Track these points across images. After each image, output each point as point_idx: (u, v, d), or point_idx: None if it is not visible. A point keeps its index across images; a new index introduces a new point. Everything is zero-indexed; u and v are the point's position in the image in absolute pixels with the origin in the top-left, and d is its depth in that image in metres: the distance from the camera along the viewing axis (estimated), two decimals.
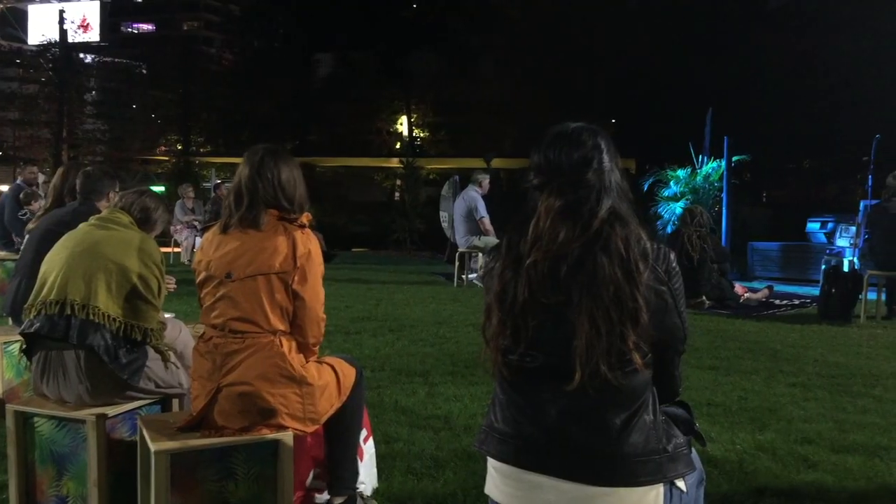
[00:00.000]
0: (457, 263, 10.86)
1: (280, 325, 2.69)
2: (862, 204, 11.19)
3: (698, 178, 13.71)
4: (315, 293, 2.76)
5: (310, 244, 2.75)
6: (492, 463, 1.94)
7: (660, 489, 1.81)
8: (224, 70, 36.56)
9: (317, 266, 2.77)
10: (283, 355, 2.66)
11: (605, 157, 1.91)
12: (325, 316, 2.82)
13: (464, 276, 10.68)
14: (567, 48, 26.88)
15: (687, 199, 13.20)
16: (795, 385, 5.10)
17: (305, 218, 2.82)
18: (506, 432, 1.89)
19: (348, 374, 2.92)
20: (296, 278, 2.69)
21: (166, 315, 3.48)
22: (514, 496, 1.87)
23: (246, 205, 2.72)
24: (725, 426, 4.15)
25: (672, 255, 1.90)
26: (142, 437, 2.77)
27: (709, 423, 4.18)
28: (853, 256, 10.12)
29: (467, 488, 3.20)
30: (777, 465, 3.57)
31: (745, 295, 9.47)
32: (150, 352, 3.09)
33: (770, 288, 10.10)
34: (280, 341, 2.68)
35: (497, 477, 1.92)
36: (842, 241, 11.40)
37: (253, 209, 2.72)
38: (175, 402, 3.24)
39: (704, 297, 8.97)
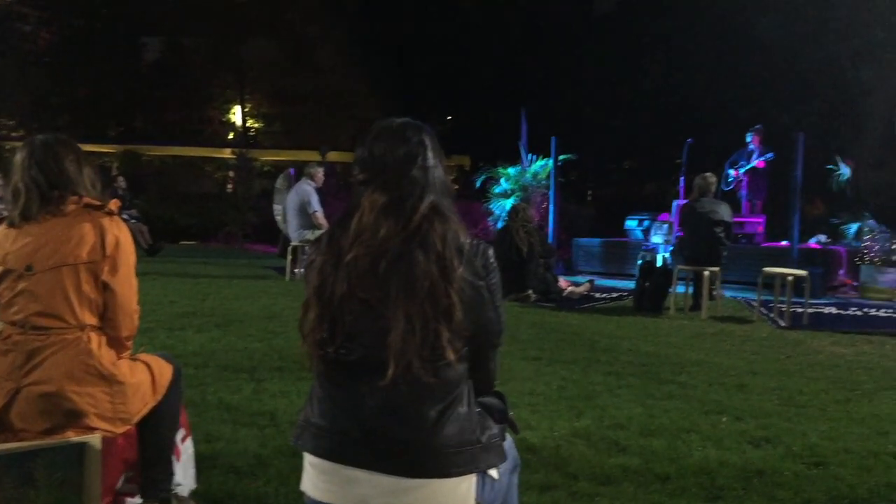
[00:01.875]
0: (289, 257, 10.70)
1: (89, 320, 2.54)
2: (675, 203, 11.99)
3: (527, 175, 14.19)
4: (127, 283, 2.62)
5: (118, 232, 2.60)
6: (308, 458, 1.92)
7: (472, 479, 1.85)
8: (40, 49, 34.03)
9: (128, 255, 2.63)
10: (92, 352, 2.52)
11: (430, 154, 1.92)
12: (138, 308, 2.69)
13: (296, 271, 10.53)
14: (404, 43, 27.07)
15: (517, 196, 13.62)
16: (610, 373, 5.39)
17: (114, 204, 2.67)
18: (322, 426, 1.87)
19: (164, 371, 2.80)
20: (105, 269, 2.54)
21: None
22: (329, 491, 1.86)
23: (42, 192, 2.55)
24: (545, 414, 4.32)
25: (490, 251, 1.95)
26: None
27: (530, 412, 4.34)
28: (666, 252, 10.83)
29: (291, 485, 3.15)
30: (591, 450, 3.75)
31: (569, 289, 9.90)
32: None
33: (591, 282, 10.62)
34: (88, 336, 2.53)
35: (313, 473, 1.90)
36: (656, 238, 12.14)
37: (52, 196, 2.55)
38: None
39: (531, 291, 9.31)
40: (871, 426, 4.24)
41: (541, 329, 7.17)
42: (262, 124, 33.72)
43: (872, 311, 9.14)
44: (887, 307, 9.63)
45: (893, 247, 11.21)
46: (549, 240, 12.41)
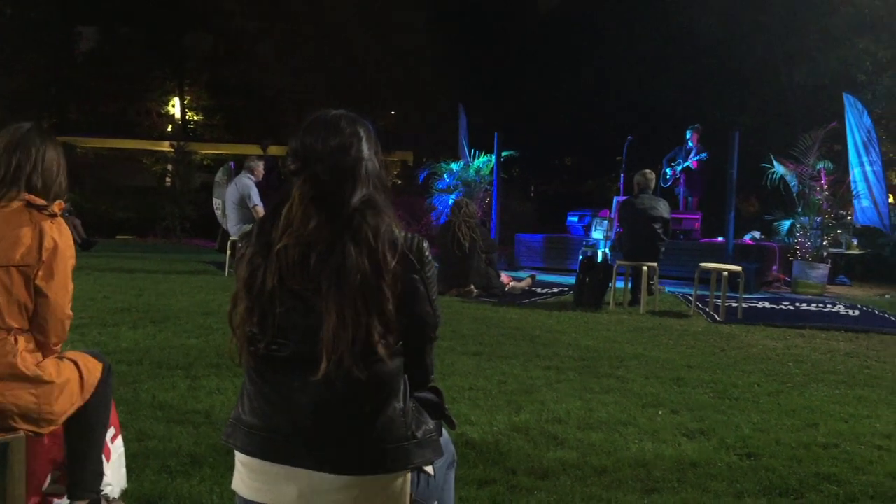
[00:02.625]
0: (228, 252, 10.53)
1: (15, 323, 2.44)
2: (615, 199, 12.16)
3: (470, 171, 14.22)
4: (62, 290, 2.52)
5: (58, 236, 2.50)
6: (239, 457, 1.87)
7: (407, 475, 1.83)
8: None
9: (65, 260, 2.53)
10: (16, 354, 2.42)
11: (364, 146, 1.89)
12: (71, 314, 2.60)
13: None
14: (348, 36, 26.85)
15: (459, 192, 13.64)
16: (550, 368, 5.43)
17: (57, 206, 2.57)
18: (254, 424, 1.83)
19: (93, 369, 2.71)
20: (40, 273, 2.44)
21: None
22: (260, 490, 1.82)
23: None
24: (485, 409, 4.33)
25: (425, 244, 1.92)
26: None
27: (470, 407, 4.34)
28: (606, 248, 10.97)
29: (225, 484, 3.08)
30: (530, 444, 3.77)
31: (510, 284, 9.95)
32: None
33: (532, 277, 10.70)
34: (15, 339, 2.43)
35: (244, 471, 1.86)
36: (597, 234, 12.31)
37: (2, 187, 2.46)
38: None
39: (472, 286, 9.33)
40: (801, 418, 4.35)
41: (482, 324, 7.19)
42: (201, 117, 33.16)
43: (804, 306, 9.40)
44: (818, 302, 9.91)
45: (824, 243, 11.54)
46: (492, 235, 12.47)
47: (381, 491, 1.79)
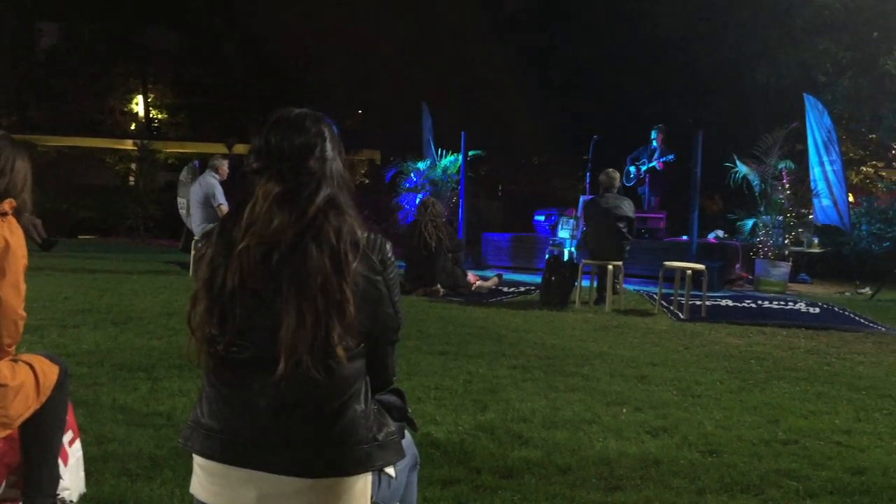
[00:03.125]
0: (192, 252, 10.40)
1: None
2: (581, 198, 12.23)
3: (437, 170, 14.22)
4: (14, 290, 2.47)
5: (9, 235, 2.44)
6: (197, 460, 1.85)
7: (368, 478, 1.82)
8: None
9: (17, 259, 2.47)
10: None
11: (328, 145, 1.88)
12: (24, 314, 2.54)
13: None
14: (315, 36, 26.70)
15: (426, 191, 13.63)
16: (516, 367, 5.44)
17: (8, 205, 2.51)
18: (212, 427, 1.81)
19: (49, 372, 2.66)
20: None
21: None
22: (219, 494, 1.80)
23: None
24: (450, 408, 4.33)
25: (388, 245, 1.91)
26: None
27: (435, 407, 4.34)
28: (572, 247, 11.03)
29: (187, 487, 3.03)
30: (495, 443, 3.77)
31: (477, 283, 9.96)
32: None
33: (499, 276, 10.72)
34: None
35: (202, 475, 1.84)
36: (563, 233, 12.34)
37: None
38: None
39: (439, 286, 9.33)
40: (762, 414, 4.41)
41: (448, 323, 7.19)
42: (165, 115, 32.73)
43: (766, 304, 9.52)
44: (779, 300, 10.05)
45: (785, 241, 11.71)
46: (459, 234, 12.47)
47: (342, 493, 1.77)
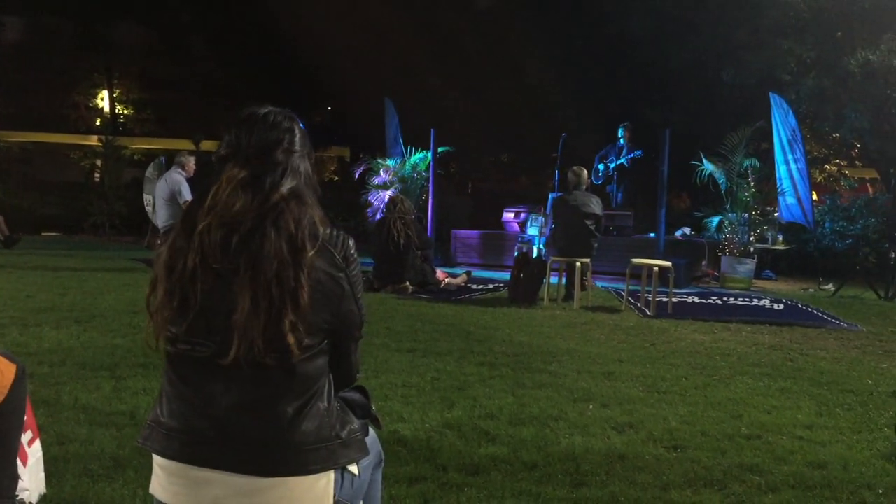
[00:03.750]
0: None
1: None
2: (550, 196, 12.28)
3: (406, 167, 14.19)
4: None
5: None
6: (157, 460, 1.82)
7: (331, 476, 1.80)
8: None
9: None
10: None
11: (297, 142, 1.89)
12: None
13: None
14: (282, 31, 26.49)
15: (396, 188, 13.60)
16: (484, 364, 5.44)
17: None
18: (172, 427, 1.78)
19: (5, 371, 2.60)
20: None
21: None
22: (179, 494, 1.77)
23: None
24: (417, 406, 4.32)
25: (351, 242, 1.90)
26: None
27: (402, 404, 4.33)
28: (540, 244, 11.07)
29: (148, 487, 3.02)
30: (461, 440, 3.77)
31: (446, 280, 9.97)
32: None
33: (468, 273, 10.74)
34: None
35: (162, 475, 1.81)
36: (532, 230, 12.40)
37: None
38: None
39: (408, 283, 9.32)
40: (726, 409, 4.45)
41: (417, 320, 7.18)
42: (131, 111, 32.32)
43: (731, 300, 9.63)
44: (745, 296, 10.17)
45: (751, 239, 11.86)
46: (428, 231, 12.47)
47: (305, 492, 1.76)
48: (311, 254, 1.74)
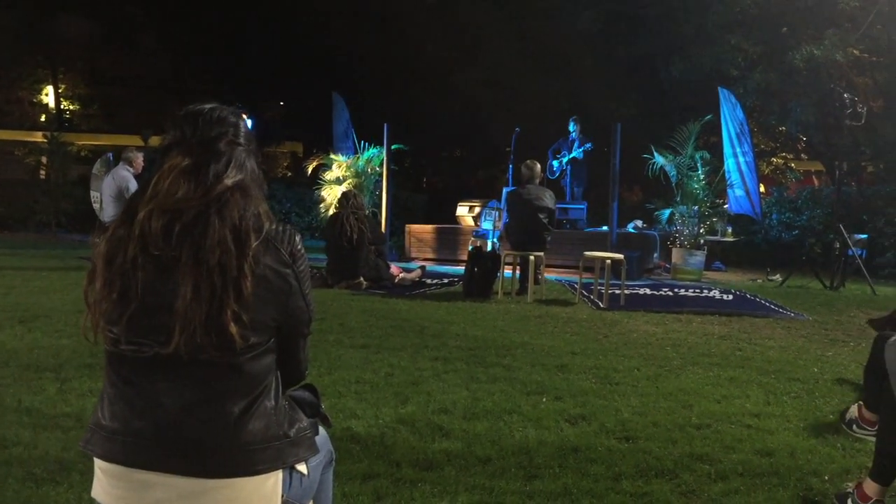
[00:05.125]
0: None
1: None
2: (504, 190, 12.33)
3: (360, 162, 14.12)
4: None
5: None
6: (99, 463, 1.77)
7: (279, 475, 1.77)
8: None
9: None
10: None
11: (242, 136, 1.85)
12: None
13: None
14: (233, 25, 26.16)
15: (350, 183, 13.52)
16: (438, 359, 5.44)
17: None
18: (114, 429, 1.73)
19: None
20: None
21: None
22: (122, 498, 1.73)
23: None
24: (371, 402, 4.29)
25: (298, 237, 1.87)
26: None
27: (356, 401, 4.30)
28: (494, 238, 11.11)
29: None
30: (415, 436, 3.76)
31: (400, 275, 9.94)
32: None
33: (422, 268, 10.73)
34: None
35: (104, 478, 1.76)
36: (486, 224, 12.43)
37: None
38: None
39: (362, 278, 9.27)
40: (677, 400, 4.51)
41: (371, 316, 7.14)
42: (78, 106, 31.64)
43: (682, 292, 9.77)
44: (695, 287, 10.33)
45: (701, 231, 12.03)
46: (383, 227, 12.42)
47: (251, 493, 1.73)
48: (254, 244, 1.70)
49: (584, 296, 8.84)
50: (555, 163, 13.54)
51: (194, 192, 1.71)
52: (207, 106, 1.87)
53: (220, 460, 1.71)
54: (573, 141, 13.19)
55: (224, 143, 1.80)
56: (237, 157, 1.81)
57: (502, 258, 8.99)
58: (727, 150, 12.92)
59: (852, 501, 2.96)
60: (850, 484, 3.10)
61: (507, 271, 9.18)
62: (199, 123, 1.81)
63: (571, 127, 13.28)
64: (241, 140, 1.85)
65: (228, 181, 1.75)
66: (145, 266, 1.68)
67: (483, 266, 8.82)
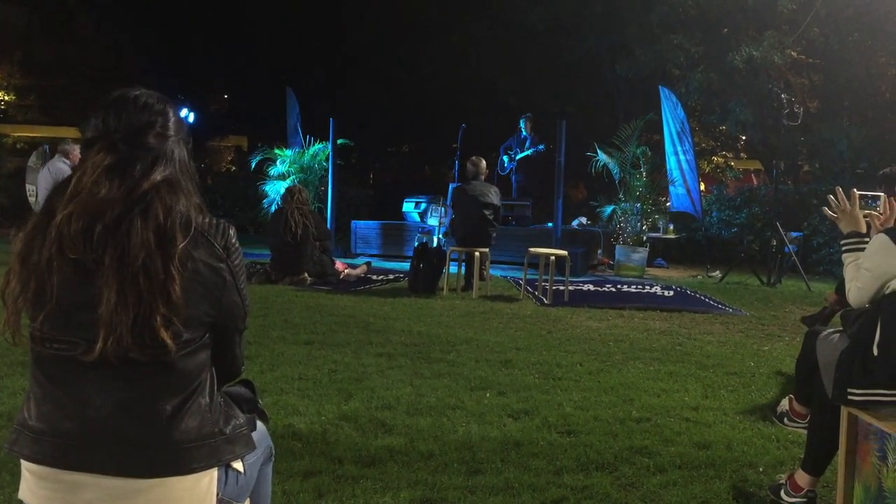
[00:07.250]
0: None
1: None
2: (450, 186, 12.34)
3: (306, 157, 14.00)
4: None
5: None
6: (26, 465, 1.72)
7: (213, 474, 1.74)
8: None
9: None
10: None
11: (171, 126, 1.78)
12: None
13: None
14: (179, 15, 25.65)
15: (295, 178, 13.40)
16: (382, 355, 5.42)
17: None
18: (41, 430, 1.68)
19: None
20: None
21: None
22: (50, 499, 1.68)
23: None
24: (314, 399, 4.26)
25: (232, 231, 1.82)
26: None
27: (299, 397, 4.27)
28: (440, 234, 11.12)
29: None
30: (358, 432, 3.75)
31: (345, 271, 9.89)
32: None
33: (368, 264, 10.68)
34: None
35: (32, 480, 1.71)
36: (432, 220, 12.44)
37: None
38: None
39: (306, 274, 9.19)
40: (619, 394, 4.57)
41: (315, 312, 7.09)
42: (13, 97, 30.68)
43: (625, 288, 9.90)
44: (638, 283, 10.48)
45: (643, 228, 12.22)
46: (328, 222, 12.34)
47: (185, 492, 1.69)
48: (181, 244, 1.65)
49: (528, 292, 8.90)
50: (505, 158, 13.61)
51: (117, 191, 1.65)
52: (133, 93, 1.79)
53: (153, 459, 1.67)
54: (525, 138, 13.27)
55: (152, 135, 1.74)
56: (166, 150, 1.75)
57: (448, 254, 9.00)
58: (668, 148, 13.12)
59: (785, 492, 3.03)
60: (782, 475, 3.18)
61: (453, 267, 9.19)
62: (123, 113, 1.74)
63: (522, 124, 13.36)
64: (170, 131, 1.78)
65: (156, 177, 1.70)
66: (61, 269, 1.63)
67: (429, 262, 8.81)
